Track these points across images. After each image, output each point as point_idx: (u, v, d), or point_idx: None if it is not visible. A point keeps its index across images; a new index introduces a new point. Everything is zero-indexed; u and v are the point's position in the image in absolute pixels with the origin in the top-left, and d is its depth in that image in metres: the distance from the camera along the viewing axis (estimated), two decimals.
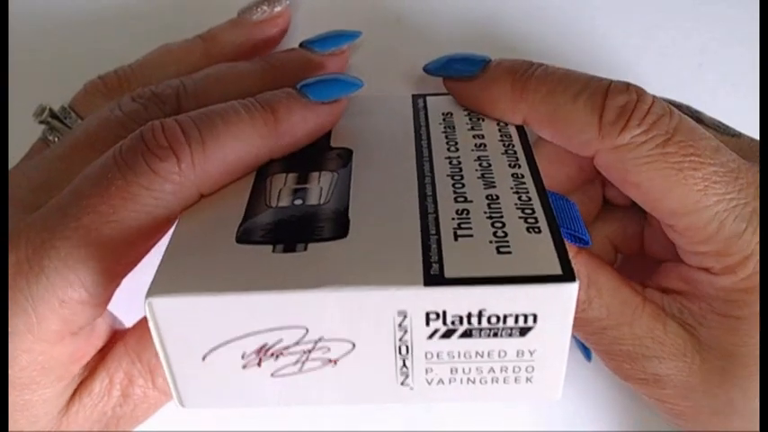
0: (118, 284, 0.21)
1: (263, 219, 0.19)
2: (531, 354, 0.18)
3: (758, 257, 0.20)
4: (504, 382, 0.18)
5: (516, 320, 0.17)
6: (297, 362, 0.18)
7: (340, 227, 0.18)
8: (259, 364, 0.18)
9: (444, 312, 0.17)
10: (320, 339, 0.17)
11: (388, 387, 0.18)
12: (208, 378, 0.18)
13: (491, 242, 0.18)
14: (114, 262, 0.20)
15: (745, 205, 0.20)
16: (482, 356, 0.18)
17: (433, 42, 0.26)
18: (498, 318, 0.17)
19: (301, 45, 0.25)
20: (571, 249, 0.22)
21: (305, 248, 0.18)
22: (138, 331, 0.23)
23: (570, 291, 0.16)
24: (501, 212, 0.19)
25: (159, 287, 0.17)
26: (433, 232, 0.18)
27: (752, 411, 0.22)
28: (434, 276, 0.17)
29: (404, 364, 0.18)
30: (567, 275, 0.17)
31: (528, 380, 0.18)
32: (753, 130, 0.25)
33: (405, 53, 0.27)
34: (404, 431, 0.29)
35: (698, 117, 0.23)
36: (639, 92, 0.20)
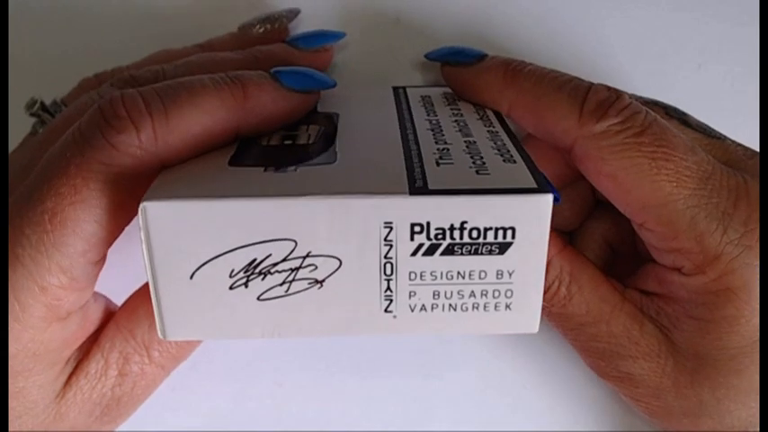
0: (100, 265, 0.21)
1: (255, 150, 0.20)
2: (510, 275, 0.18)
3: (728, 259, 0.20)
4: (485, 309, 0.19)
5: (496, 235, 0.18)
6: (284, 282, 0.18)
7: (328, 156, 0.19)
8: (246, 285, 0.18)
9: (428, 224, 0.18)
10: (308, 255, 0.18)
11: (372, 314, 0.19)
12: (193, 301, 0.18)
13: (470, 167, 0.19)
14: (88, 243, 0.19)
15: (716, 205, 0.20)
16: (463, 277, 0.18)
17: (431, 43, 0.26)
18: (479, 232, 0.18)
19: (285, 41, 0.26)
20: (556, 246, 0.23)
21: (295, 170, 0.19)
22: (128, 308, 0.23)
23: (546, 201, 0.18)
24: (479, 150, 0.20)
25: (154, 194, 0.17)
26: (416, 161, 0.19)
27: (722, 413, 0.22)
28: (419, 188, 0.18)
29: (388, 287, 0.18)
30: (543, 188, 0.18)
31: (507, 306, 0.19)
32: (753, 131, 0.26)
33: (404, 53, 0.27)
34: (404, 431, 0.28)
35: (684, 119, 0.24)
36: (619, 92, 0.22)
